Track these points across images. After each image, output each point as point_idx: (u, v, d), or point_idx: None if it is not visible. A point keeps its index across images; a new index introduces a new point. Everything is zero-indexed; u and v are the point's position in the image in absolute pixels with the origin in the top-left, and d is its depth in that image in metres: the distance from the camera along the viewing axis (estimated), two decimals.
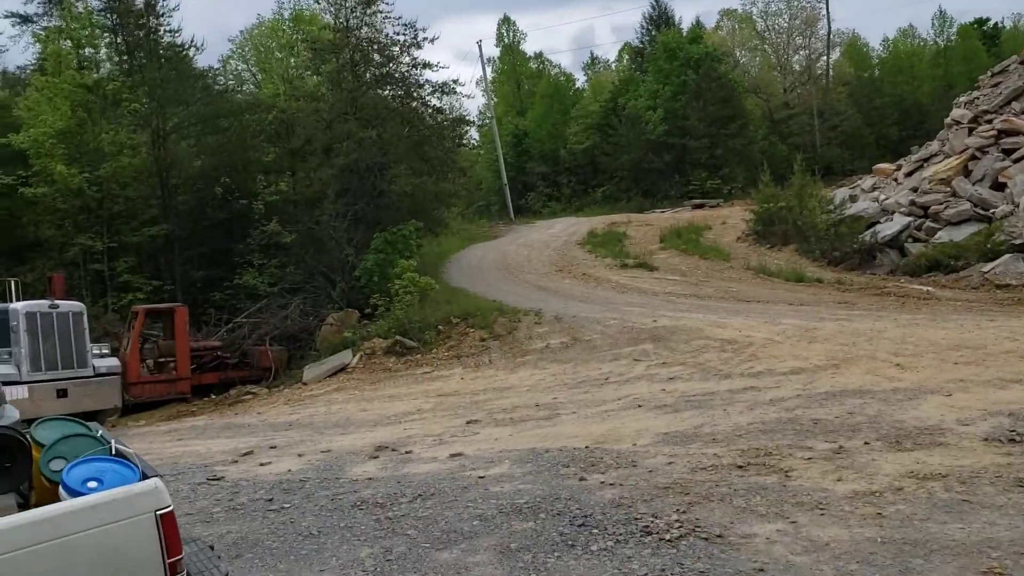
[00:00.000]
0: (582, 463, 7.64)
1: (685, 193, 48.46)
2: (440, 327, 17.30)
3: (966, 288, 17.92)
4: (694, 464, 7.29)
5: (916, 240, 23.09)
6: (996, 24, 77.95)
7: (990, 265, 18.75)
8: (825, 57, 62.75)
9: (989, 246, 20.01)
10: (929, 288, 18.05)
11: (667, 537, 5.66)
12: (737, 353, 12.30)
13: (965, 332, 11.88)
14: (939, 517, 5.56)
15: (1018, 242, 19.87)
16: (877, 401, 8.89)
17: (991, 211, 22.10)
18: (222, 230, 24.26)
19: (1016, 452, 6.80)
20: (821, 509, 5.91)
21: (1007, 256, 18.88)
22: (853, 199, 28.19)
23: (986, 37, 75.76)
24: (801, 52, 65.68)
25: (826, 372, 10.63)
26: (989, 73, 27.75)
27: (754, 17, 67.67)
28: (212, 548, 4.75)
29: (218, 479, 8.64)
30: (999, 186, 23.04)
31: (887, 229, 23.38)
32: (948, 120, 27.08)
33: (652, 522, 5.94)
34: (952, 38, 74.34)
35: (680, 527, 5.79)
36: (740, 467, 7.07)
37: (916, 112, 59.42)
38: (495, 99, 58.38)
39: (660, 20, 62.36)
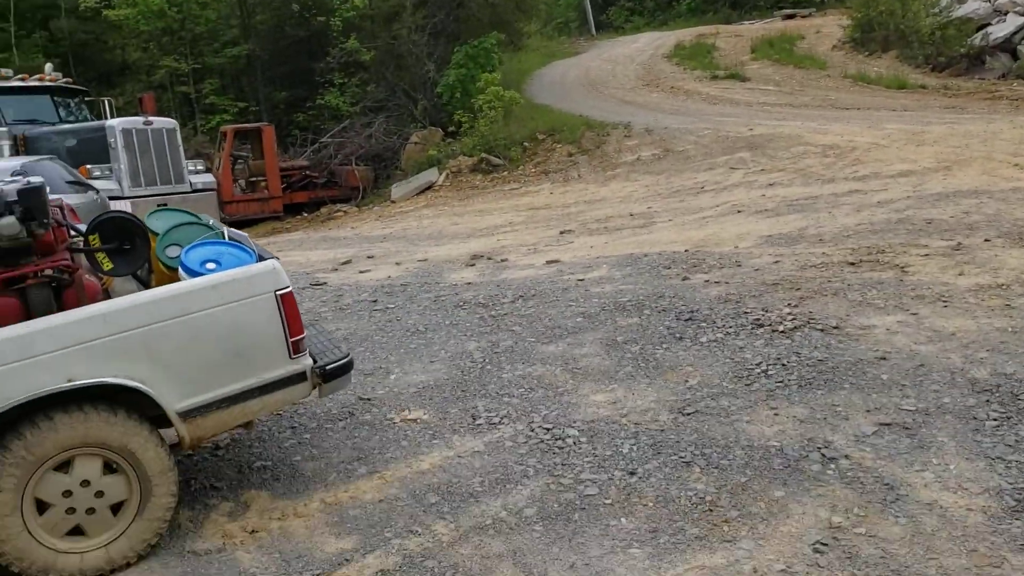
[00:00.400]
0: (684, 264, 7.50)
1: (776, 3, 45.55)
2: (526, 144, 16.98)
3: None
4: (802, 263, 7.08)
5: None
6: None
7: None
8: None
9: None
10: None
11: (780, 329, 5.55)
12: (840, 158, 11.77)
13: None
14: None
15: None
16: (995, 201, 8.42)
17: None
18: (302, 49, 23.88)
19: None
20: (944, 301, 5.69)
21: None
22: (961, 2, 26.09)
23: None
24: None
25: (937, 174, 10.09)
26: None
27: None
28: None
29: (321, 284, 8.82)
30: None
31: (999, 31, 21.64)
32: None
33: (763, 315, 5.82)
34: None
35: (793, 319, 5.66)
36: (852, 264, 6.83)
37: None
38: None
39: None
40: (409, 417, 5.06)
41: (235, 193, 18.76)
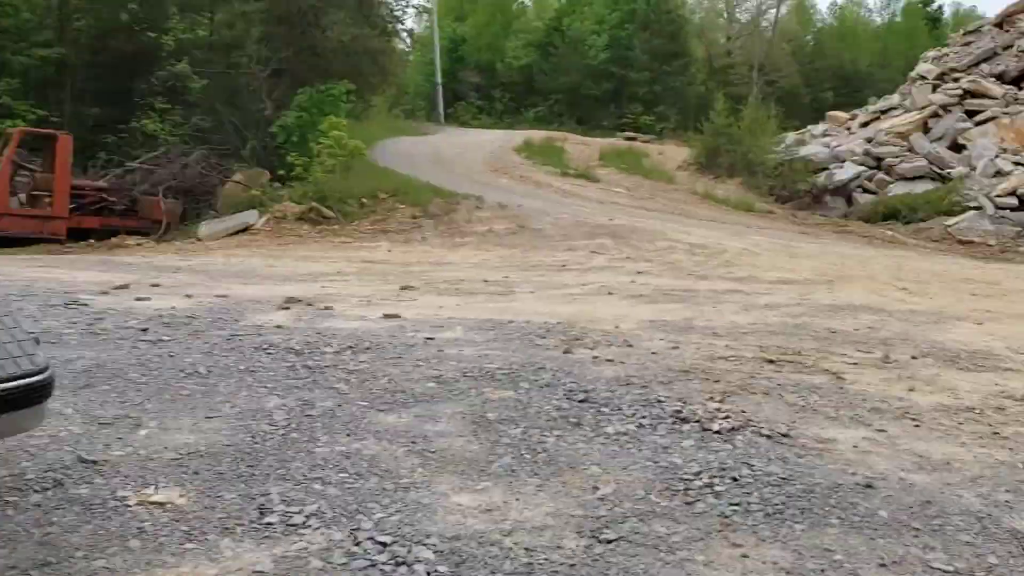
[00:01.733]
0: (562, 335, 5.94)
1: (619, 125, 46.78)
2: (365, 200, 15.24)
3: (927, 240, 16.90)
4: (708, 353, 5.68)
5: (866, 191, 22.10)
6: (940, 7, 78.34)
7: (953, 220, 17.79)
8: (774, 10, 61.40)
9: (945, 204, 19.12)
10: (893, 232, 16.98)
11: (714, 428, 4.01)
12: (710, 258, 10.79)
13: (966, 269, 10.68)
14: None
15: (972, 204, 19.04)
16: (897, 320, 7.46)
17: (946, 171, 21.22)
18: (125, 66, 21.23)
19: None
20: (912, 419, 4.35)
21: (972, 213, 17.97)
22: (801, 143, 27.08)
23: (930, 18, 76.13)
24: (751, 2, 64.50)
25: (820, 286, 9.19)
26: (961, 32, 26.84)
27: None
28: (37, 342, 2.81)
29: (79, 304, 6.60)
30: (957, 147, 22.19)
31: (840, 175, 22.29)
32: (912, 75, 26.08)
33: (683, 408, 4.28)
34: (897, 14, 74.38)
35: (727, 418, 4.15)
36: (771, 362, 5.48)
37: (855, 80, 59.21)
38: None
39: None
40: (154, 499, 3.08)
41: (10, 206, 15.85)
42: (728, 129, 24.94)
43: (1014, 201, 18.86)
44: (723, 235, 13.05)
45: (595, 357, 5.30)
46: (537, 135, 32.21)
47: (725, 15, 66.51)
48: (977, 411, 4.56)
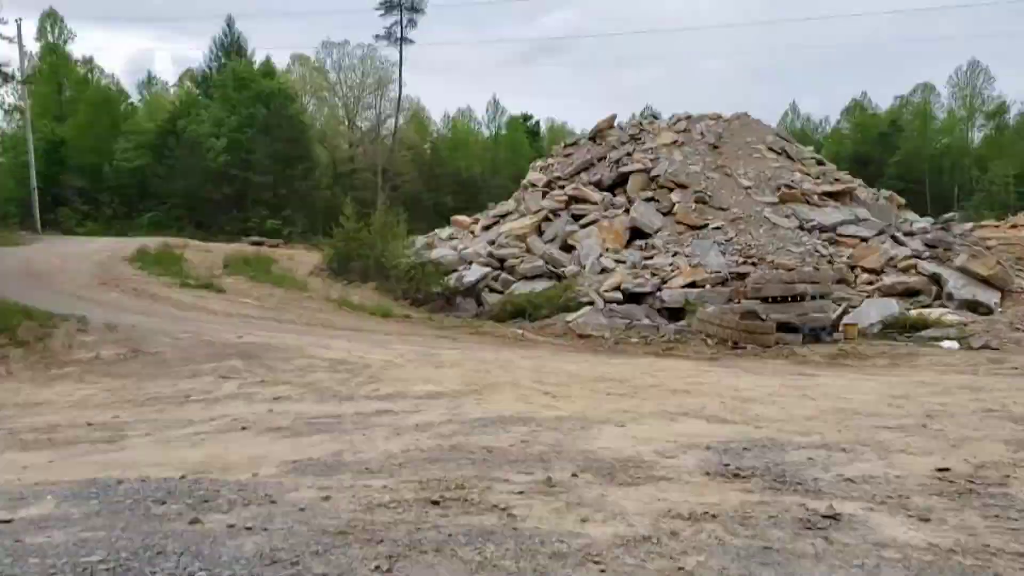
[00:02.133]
0: (188, 498, 4.87)
1: (244, 229, 45.23)
2: None
3: (551, 335, 17.76)
4: (364, 500, 4.95)
5: (492, 290, 23.07)
6: (538, 121, 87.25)
7: (572, 316, 18.96)
8: (393, 119, 64.05)
9: (562, 300, 20.42)
10: (522, 331, 17.61)
11: None
12: (354, 374, 10.13)
13: (598, 367, 11.10)
14: (758, 571, 3.93)
15: (585, 300, 20.55)
16: (546, 430, 7.32)
17: (561, 269, 22.86)
18: None
19: (752, 487, 5.54)
20: (596, 563, 3.96)
21: (587, 309, 19.29)
22: (431, 247, 27.84)
23: (530, 131, 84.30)
24: (371, 111, 66.83)
25: (469, 397, 8.91)
26: (563, 144, 29.51)
27: (327, 68, 67.55)
28: None
29: None
30: (568, 247, 24.07)
31: (469, 276, 23.06)
32: (524, 182, 28.09)
33: None
34: (502, 127, 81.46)
35: None
36: (435, 503, 4.89)
37: (471, 186, 63.31)
38: (28, 98, 49.34)
39: (231, 47, 58.59)
40: None
41: None
42: (359, 234, 24.88)
43: (619, 295, 20.63)
44: (365, 346, 12.50)
45: (231, 525, 4.34)
46: (153, 242, 29.85)
47: (346, 123, 68.14)
48: (654, 540, 4.30)
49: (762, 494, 5.35)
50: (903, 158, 66.67)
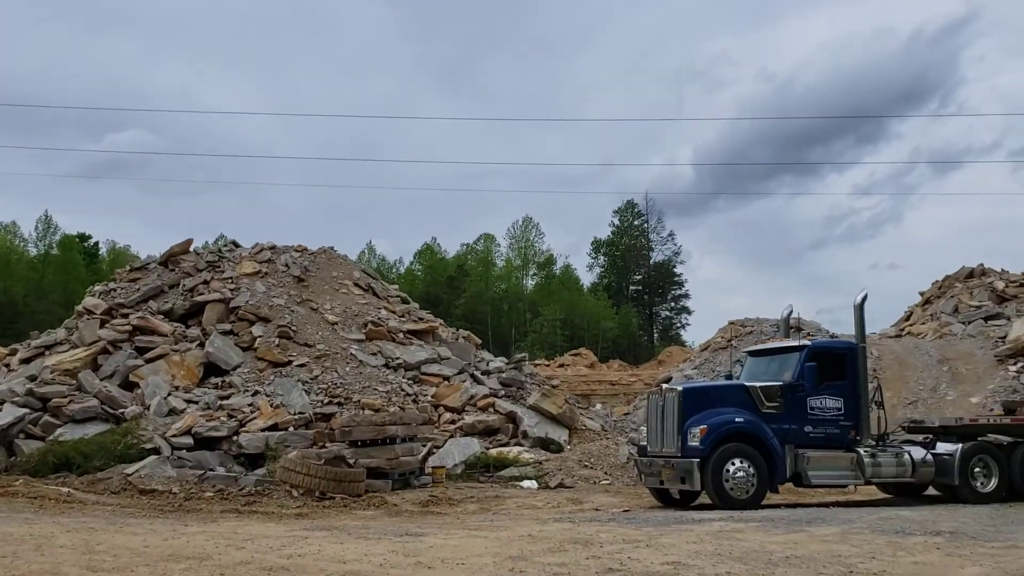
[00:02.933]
0: None
1: None
2: None
3: (105, 492, 14.96)
4: None
5: (31, 437, 19.27)
6: (97, 242, 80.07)
7: (134, 467, 16.26)
8: None
9: (121, 448, 17.60)
10: (69, 489, 14.53)
11: None
12: None
13: (169, 539, 9.02)
14: None
15: (148, 447, 17.95)
16: None
17: (120, 410, 19.88)
18: None
19: None
20: None
21: (152, 458, 16.72)
22: None
23: (87, 252, 76.93)
24: None
25: None
26: (128, 268, 26.47)
27: None
28: None
29: None
30: (131, 385, 21.15)
31: (0, 419, 19.06)
32: (79, 308, 24.54)
33: None
34: (54, 247, 73.41)
35: None
36: None
37: (9, 310, 55.54)
38: None
39: None
40: None
41: None
42: None
43: (190, 440, 18.32)
44: None
45: None
46: None
47: None
48: None
49: None
50: (468, 300, 71.73)
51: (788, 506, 13.80)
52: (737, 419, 13.32)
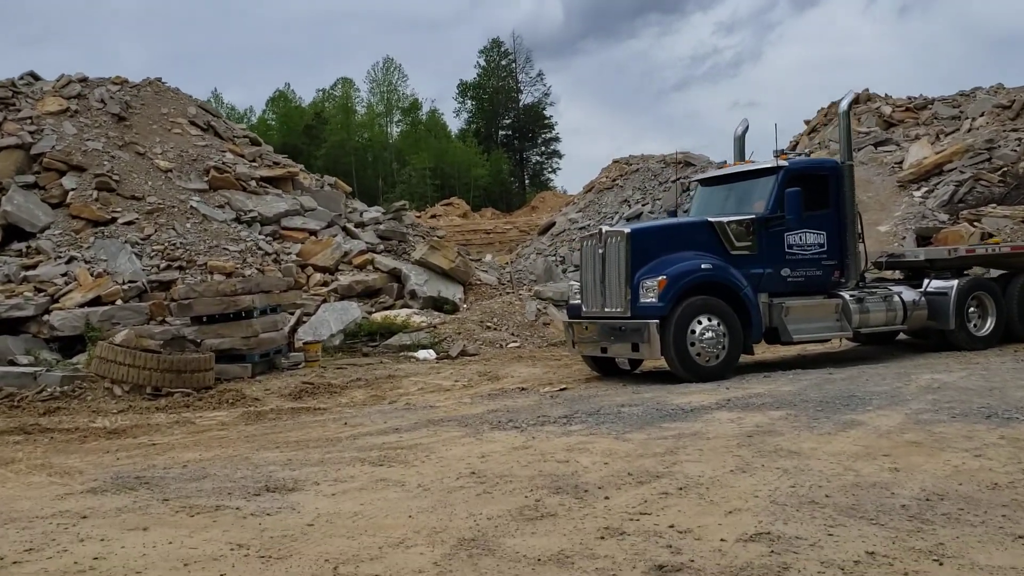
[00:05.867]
0: None
1: None
2: None
3: None
4: None
5: None
6: None
7: None
8: None
9: None
10: None
11: None
12: None
13: None
14: None
15: None
16: None
17: None
18: None
19: None
20: None
21: None
22: None
23: None
24: None
25: None
26: None
27: None
28: None
29: None
30: None
31: None
32: None
33: None
34: None
35: None
36: None
37: None
38: None
39: None
40: None
41: None
42: None
43: None
44: None
45: None
46: None
47: None
48: None
49: None
50: (329, 150, 66.26)
51: (758, 365, 11.18)
52: (703, 265, 10.30)
